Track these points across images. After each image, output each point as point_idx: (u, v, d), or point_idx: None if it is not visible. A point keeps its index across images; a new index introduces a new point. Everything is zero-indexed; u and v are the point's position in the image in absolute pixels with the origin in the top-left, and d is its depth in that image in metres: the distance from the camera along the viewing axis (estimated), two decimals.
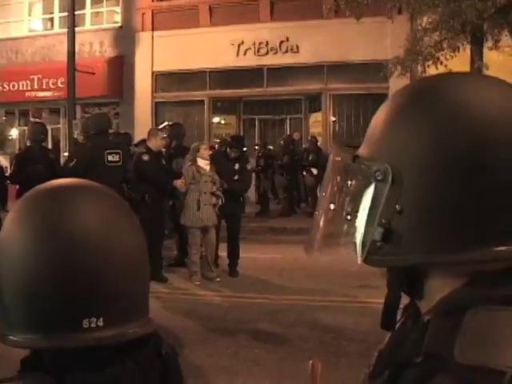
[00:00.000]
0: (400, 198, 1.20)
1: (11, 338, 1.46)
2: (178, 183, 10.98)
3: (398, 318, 1.33)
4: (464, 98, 1.21)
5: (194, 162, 10.89)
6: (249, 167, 12.22)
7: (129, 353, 1.49)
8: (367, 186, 1.26)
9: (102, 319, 1.42)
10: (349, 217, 1.32)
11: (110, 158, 10.19)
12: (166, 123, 16.25)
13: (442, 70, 15.63)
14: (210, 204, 10.83)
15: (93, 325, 1.42)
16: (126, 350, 1.49)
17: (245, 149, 20.83)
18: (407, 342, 1.22)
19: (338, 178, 1.36)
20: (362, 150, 1.30)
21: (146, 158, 11.01)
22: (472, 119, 1.17)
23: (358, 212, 1.29)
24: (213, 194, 10.94)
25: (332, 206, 1.37)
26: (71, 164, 10.06)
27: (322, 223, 1.37)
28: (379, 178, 1.22)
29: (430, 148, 1.18)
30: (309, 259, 1.39)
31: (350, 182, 1.33)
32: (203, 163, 10.86)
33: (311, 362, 1.59)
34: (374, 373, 1.32)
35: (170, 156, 12.31)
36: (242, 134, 23.67)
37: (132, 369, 1.49)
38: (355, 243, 1.29)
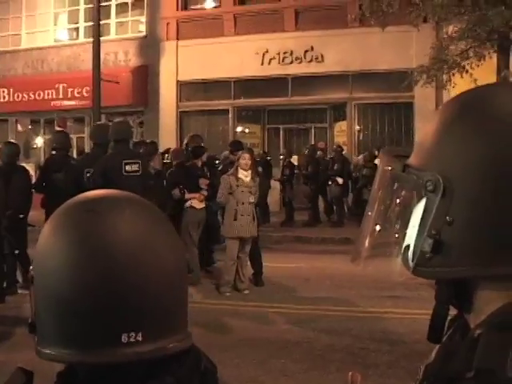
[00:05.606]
0: (451, 209, 1.17)
1: (47, 351, 1.43)
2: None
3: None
4: None
5: (235, 172, 10.88)
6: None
7: (167, 368, 1.46)
8: (417, 196, 1.23)
9: (140, 334, 1.39)
10: (397, 227, 1.30)
11: (127, 167, 10.01)
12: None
13: (467, 78, 15.58)
14: (249, 215, 10.79)
15: (132, 339, 1.38)
16: (164, 365, 1.45)
17: (269, 158, 20.97)
18: (457, 357, 1.19)
19: (388, 187, 1.33)
20: (413, 160, 1.27)
21: None
22: None
23: (406, 222, 1.26)
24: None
25: (380, 216, 1.34)
26: (88, 174, 9.95)
27: (369, 233, 1.35)
28: (430, 188, 1.19)
29: (482, 160, 1.15)
30: (355, 269, 1.36)
31: (399, 192, 1.31)
32: (243, 174, 10.81)
33: (351, 373, 1.57)
34: None
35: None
36: (266, 143, 23.71)
37: None
38: (403, 254, 1.26)
